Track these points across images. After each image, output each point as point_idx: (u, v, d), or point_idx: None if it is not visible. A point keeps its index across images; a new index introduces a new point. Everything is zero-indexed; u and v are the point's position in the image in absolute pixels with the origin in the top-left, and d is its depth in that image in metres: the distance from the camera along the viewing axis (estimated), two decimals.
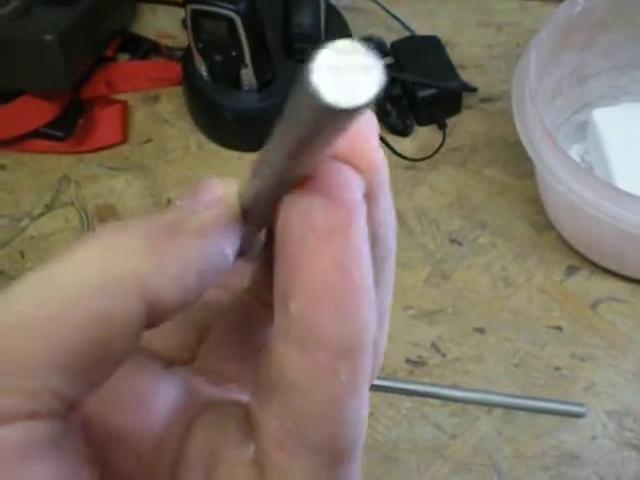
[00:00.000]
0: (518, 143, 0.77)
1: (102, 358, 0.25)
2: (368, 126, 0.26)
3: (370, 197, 0.26)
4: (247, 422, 0.29)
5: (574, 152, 0.88)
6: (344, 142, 0.26)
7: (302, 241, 0.25)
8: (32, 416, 0.24)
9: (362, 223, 0.25)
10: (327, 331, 0.25)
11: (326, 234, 0.24)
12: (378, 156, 0.27)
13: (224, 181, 0.29)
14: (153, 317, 0.26)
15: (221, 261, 0.28)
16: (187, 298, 0.27)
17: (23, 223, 0.90)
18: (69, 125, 0.94)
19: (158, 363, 0.32)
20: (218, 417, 0.31)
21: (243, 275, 0.34)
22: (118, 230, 0.26)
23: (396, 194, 0.87)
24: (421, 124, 0.93)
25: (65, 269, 0.25)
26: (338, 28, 0.95)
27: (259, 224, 0.29)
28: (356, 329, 0.25)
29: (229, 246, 0.28)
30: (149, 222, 0.27)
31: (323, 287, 0.25)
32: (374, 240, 0.27)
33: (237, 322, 0.34)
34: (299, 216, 0.25)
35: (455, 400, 0.75)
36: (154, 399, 0.31)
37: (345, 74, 0.19)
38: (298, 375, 0.26)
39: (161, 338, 0.32)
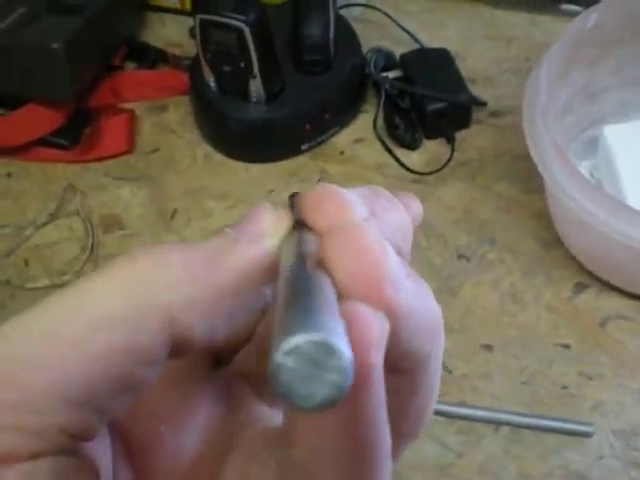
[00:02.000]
0: (527, 158, 0.77)
1: (120, 391, 0.24)
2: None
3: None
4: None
5: (583, 168, 0.87)
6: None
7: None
8: (34, 456, 0.23)
9: (377, 382, 0.23)
10: None
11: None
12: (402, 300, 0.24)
13: (274, 215, 0.27)
14: (179, 350, 0.25)
15: (256, 300, 0.27)
16: (216, 335, 0.26)
17: (28, 232, 0.89)
18: (75, 134, 0.94)
19: (204, 363, 0.31)
20: (260, 441, 0.29)
21: None
22: (153, 256, 0.25)
23: None
24: (430, 138, 0.93)
25: (90, 295, 0.24)
26: (347, 39, 0.95)
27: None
28: None
29: (267, 285, 0.27)
30: (188, 249, 0.26)
31: (327, 449, 0.24)
32: (406, 356, 0.26)
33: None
34: None
35: (461, 418, 0.74)
36: (196, 409, 0.30)
37: (310, 376, 0.19)
38: None
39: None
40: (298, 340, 0.19)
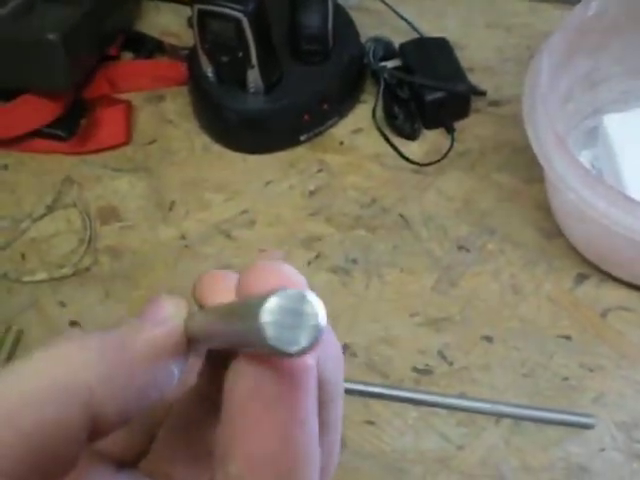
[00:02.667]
0: (527, 148, 0.76)
1: (46, 466, 0.25)
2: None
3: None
4: None
5: (584, 158, 0.86)
6: None
7: (246, 408, 0.25)
8: None
9: (311, 386, 0.26)
10: None
11: (271, 402, 0.25)
12: None
13: (173, 301, 0.30)
14: (96, 429, 0.27)
15: (165, 379, 0.29)
16: (128, 412, 0.28)
17: (24, 224, 0.88)
18: (72, 125, 0.93)
19: (108, 465, 0.32)
20: None
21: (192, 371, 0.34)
22: (74, 341, 0.27)
23: (403, 199, 0.86)
24: (429, 128, 0.92)
25: (19, 375, 0.26)
26: (345, 29, 0.94)
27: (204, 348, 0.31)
28: None
29: (175, 364, 0.29)
30: (103, 335, 0.28)
31: (264, 455, 0.25)
32: (321, 385, 0.27)
33: (187, 421, 0.33)
34: (245, 382, 0.25)
35: (462, 410, 0.74)
36: None
37: (290, 322, 0.22)
38: None
39: (111, 437, 0.32)
40: (279, 297, 0.22)
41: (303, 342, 0.22)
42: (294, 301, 0.22)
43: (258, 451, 0.25)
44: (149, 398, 0.28)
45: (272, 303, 0.22)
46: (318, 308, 0.23)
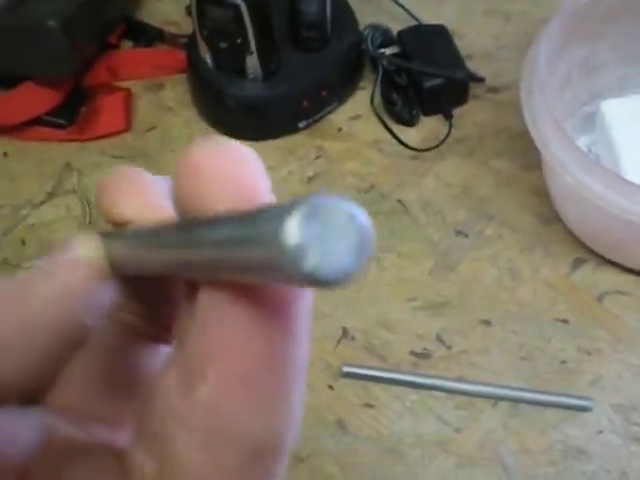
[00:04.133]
0: (525, 134, 0.77)
1: None
2: None
3: None
4: (121, 472, 0.24)
5: (581, 144, 0.87)
6: None
7: (225, 321, 0.21)
8: None
9: (308, 306, 0.22)
10: (240, 427, 0.21)
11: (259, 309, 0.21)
12: None
13: (84, 240, 0.25)
14: None
15: (78, 332, 0.24)
16: (33, 375, 0.23)
17: (24, 211, 0.89)
18: (72, 113, 0.93)
19: (9, 403, 0.26)
20: (88, 466, 0.26)
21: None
22: None
23: (401, 184, 0.87)
24: (427, 114, 0.92)
25: None
26: (344, 16, 0.94)
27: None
28: (277, 425, 0.22)
29: (89, 314, 0.24)
30: None
31: (244, 374, 0.21)
32: None
33: (103, 350, 0.29)
34: (221, 320, 0.21)
35: (460, 393, 0.74)
36: (8, 448, 0.25)
37: (329, 240, 0.17)
38: (195, 469, 0.22)
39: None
40: (315, 204, 0.17)
41: (350, 267, 0.17)
42: (332, 215, 0.17)
43: (238, 369, 0.21)
44: (57, 358, 0.24)
45: (298, 217, 0.16)
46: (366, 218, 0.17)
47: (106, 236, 0.25)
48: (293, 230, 0.16)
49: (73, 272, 0.24)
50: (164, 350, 0.30)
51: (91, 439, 0.28)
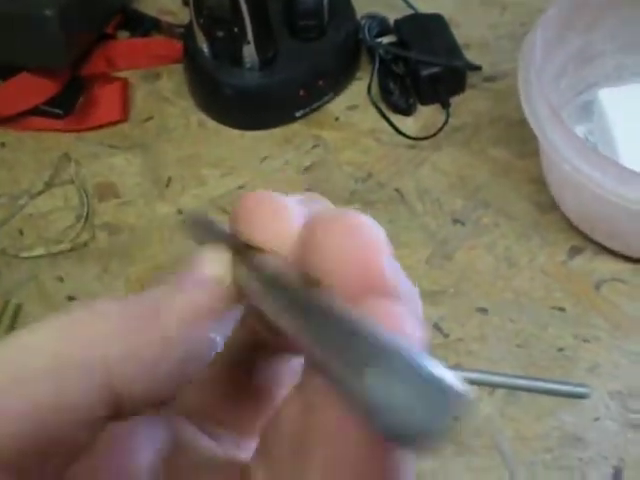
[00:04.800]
0: (522, 122, 0.77)
1: (53, 451, 0.22)
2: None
3: None
4: None
5: (578, 133, 0.87)
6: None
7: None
8: None
9: None
10: None
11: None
12: None
13: (215, 257, 0.25)
14: (120, 408, 0.23)
15: (207, 349, 0.24)
16: (164, 390, 0.24)
17: (22, 201, 0.89)
18: (69, 103, 0.93)
19: (137, 414, 0.27)
20: (213, 477, 0.27)
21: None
22: (89, 307, 0.23)
23: (398, 173, 0.87)
24: (424, 103, 0.92)
25: (15, 348, 0.22)
26: (341, 5, 0.94)
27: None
28: None
29: (218, 332, 0.24)
30: (124, 302, 0.23)
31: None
32: None
33: (230, 359, 0.29)
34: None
35: None
36: (136, 449, 0.26)
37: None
38: None
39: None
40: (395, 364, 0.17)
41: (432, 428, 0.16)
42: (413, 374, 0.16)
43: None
44: (186, 373, 0.24)
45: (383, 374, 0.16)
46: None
47: (236, 255, 0.25)
48: (375, 386, 0.16)
49: (205, 292, 0.24)
50: (291, 361, 0.30)
51: (217, 448, 0.28)
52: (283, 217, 0.24)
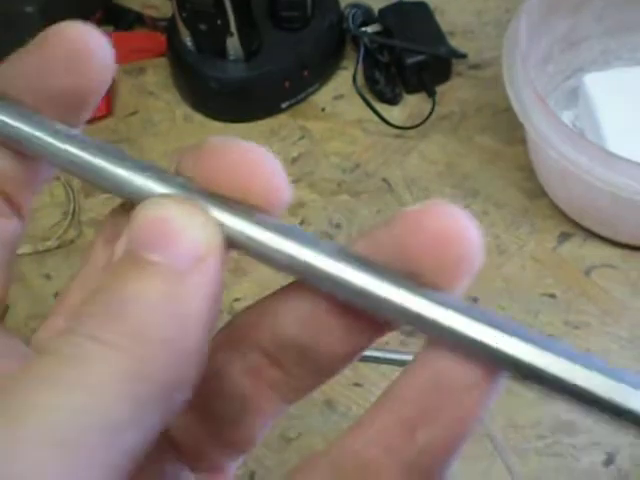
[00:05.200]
0: (509, 109, 0.76)
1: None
2: None
3: None
4: None
5: (565, 118, 0.86)
6: None
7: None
8: None
9: None
10: None
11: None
12: None
13: (201, 223, 0.23)
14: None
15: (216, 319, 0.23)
16: (192, 374, 0.23)
17: None
18: None
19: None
20: None
21: None
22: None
23: (385, 163, 0.87)
24: (410, 92, 0.92)
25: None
26: None
27: None
28: None
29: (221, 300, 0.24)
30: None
31: None
32: None
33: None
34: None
35: None
36: None
37: None
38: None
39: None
40: None
41: None
42: None
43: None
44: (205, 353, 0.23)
45: None
46: None
47: (214, 204, 0.24)
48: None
49: (201, 269, 0.22)
50: None
51: None
52: (282, 177, 0.24)
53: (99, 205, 0.87)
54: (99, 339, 0.21)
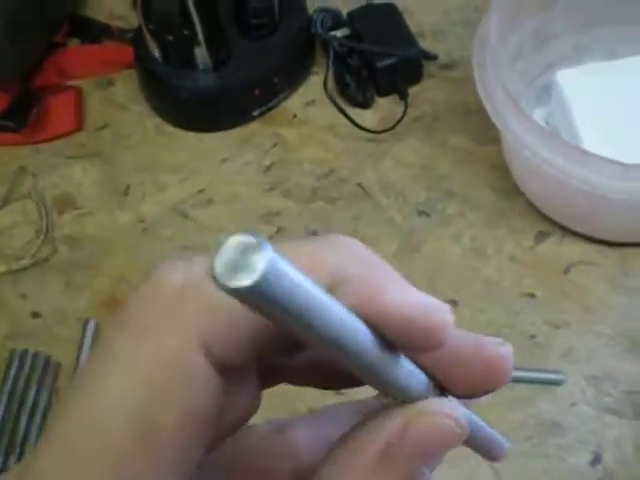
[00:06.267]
0: (481, 110, 0.76)
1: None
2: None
3: None
4: None
5: (538, 116, 0.86)
6: None
7: None
8: None
9: None
10: None
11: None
12: None
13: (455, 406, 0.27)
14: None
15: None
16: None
17: None
18: (22, 115, 0.92)
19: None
20: None
21: None
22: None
23: (360, 168, 0.86)
24: (382, 95, 0.91)
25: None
26: (292, 1, 0.93)
27: None
28: None
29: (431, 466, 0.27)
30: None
31: None
32: None
33: None
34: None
35: None
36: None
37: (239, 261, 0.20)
38: None
39: None
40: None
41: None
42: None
43: None
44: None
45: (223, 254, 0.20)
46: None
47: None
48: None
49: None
50: None
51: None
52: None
53: (72, 221, 0.86)
54: None
